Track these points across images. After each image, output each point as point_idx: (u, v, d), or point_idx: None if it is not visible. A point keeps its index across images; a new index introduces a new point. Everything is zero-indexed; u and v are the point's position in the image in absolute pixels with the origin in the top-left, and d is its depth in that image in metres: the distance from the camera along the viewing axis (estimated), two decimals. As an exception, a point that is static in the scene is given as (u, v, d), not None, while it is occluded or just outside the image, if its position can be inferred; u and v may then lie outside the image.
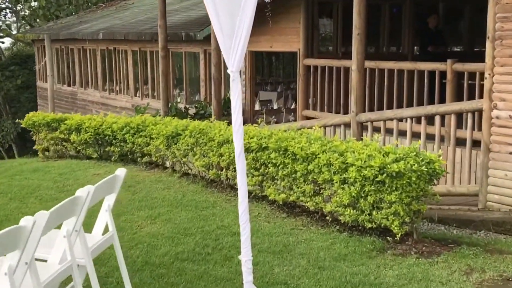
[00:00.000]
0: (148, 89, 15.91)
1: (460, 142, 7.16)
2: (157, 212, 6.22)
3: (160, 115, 11.57)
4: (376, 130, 7.87)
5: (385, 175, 5.00)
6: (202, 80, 13.76)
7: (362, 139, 6.01)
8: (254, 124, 7.23)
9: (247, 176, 6.51)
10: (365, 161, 5.15)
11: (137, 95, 16.37)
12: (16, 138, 24.86)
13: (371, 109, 9.34)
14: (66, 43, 19.54)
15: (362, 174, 5.12)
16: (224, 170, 6.90)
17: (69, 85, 20.23)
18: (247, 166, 6.42)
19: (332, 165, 5.45)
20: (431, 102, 8.44)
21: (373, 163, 5.06)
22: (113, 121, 8.49)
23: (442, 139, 7.46)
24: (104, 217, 4.12)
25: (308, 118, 10.84)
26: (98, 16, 20.87)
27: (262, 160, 6.26)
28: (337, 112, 10.17)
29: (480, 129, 6.79)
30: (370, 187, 5.14)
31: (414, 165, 5.02)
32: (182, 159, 7.47)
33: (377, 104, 9.34)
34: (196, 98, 14.51)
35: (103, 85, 18.00)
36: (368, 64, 9.26)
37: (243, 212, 4.10)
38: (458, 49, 14.27)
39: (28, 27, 28.39)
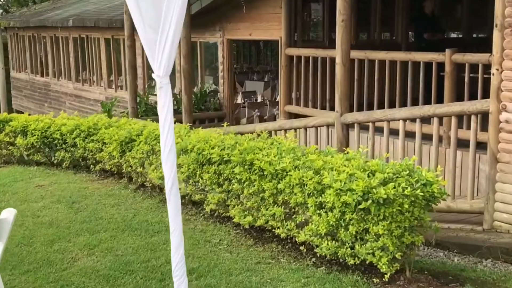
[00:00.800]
0: (123, 81, 14.78)
1: (461, 143, 6.11)
2: (99, 238, 5.16)
3: (128, 112, 10.52)
4: (364, 128, 6.84)
5: (370, 201, 3.95)
6: (177, 71, 12.63)
7: (345, 150, 4.95)
8: (218, 129, 6.18)
9: (209, 192, 5.47)
10: (345, 183, 4.10)
11: (112, 87, 15.26)
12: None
13: (359, 105, 8.30)
14: (38, 31, 18.34)
15: (341, 199, 4.07)
16: (183, 183, 5.85)
17: (42, 75, 19.05)
18: (209, 180, 5.38)
19: (306, 186, 4.40)
20: (427, 97, 7.42)
21: (355, 186, 4.00)
22: (62, 122, 7.40)
23: (439, 138, 6.44)
24: (-12, 274, 3.05)
25: (290, 114, 9.80)
26: (72, 2, 19.64)
27: (225, 175, 5.21)
28: (323, 108, 9.13)
29: (484, 128, 5.78)
30: (352, 215, 4.09)
31: (406, 188, 3.97)
32: (137, 169, 6.40)
33: (366, 98, 8.29)
34: (175, 91, 13.41)
35: (77, 76, 16.85)
36: (357, 54, 8.23)
37: (176, 266, 3.05)
38: (455, 35, 13.25)
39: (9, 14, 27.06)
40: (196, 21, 11.53)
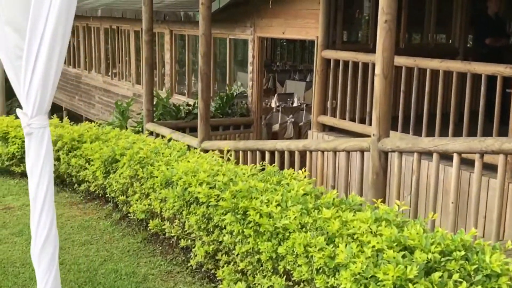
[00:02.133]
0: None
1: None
2: (48, 295, 3.97)
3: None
4: (409, 152, 5.45)
5: (403, 300, 2.61)
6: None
7: (375, 202, 3.60)
8: (214, 151, 4.92)
9: (196, 239, 4.21)
10: (367, 266, 2.76)
11: (140, 83, 14.21)
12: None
13: (405, 117, 6.85)
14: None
15: (361, 290, 2.74)
16: (167, 222, 4.61)
17: (74, 66, 18.22)
18: (196, 225, 4.11)
19: (313, 258, 3.08)
20: (489, 118, 6.00)
21: (382, 276, 2.66)
22: (47, 131, 6.27)
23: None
24: None
25: (324, 126, 8.46)
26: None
27: (215, 220, 3.94)
28: (362, 121, 7.73)
29: None
30: (376, 313, 2.75)
31: (461, 283, 2.61)
32: (119, 197, 5.19)
33: (413, 115, 6.86)
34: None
35: (106, 69, 15.90)
36: (405, 61, 6.82)
37: None
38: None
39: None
40: (226, 15, 10.31)
